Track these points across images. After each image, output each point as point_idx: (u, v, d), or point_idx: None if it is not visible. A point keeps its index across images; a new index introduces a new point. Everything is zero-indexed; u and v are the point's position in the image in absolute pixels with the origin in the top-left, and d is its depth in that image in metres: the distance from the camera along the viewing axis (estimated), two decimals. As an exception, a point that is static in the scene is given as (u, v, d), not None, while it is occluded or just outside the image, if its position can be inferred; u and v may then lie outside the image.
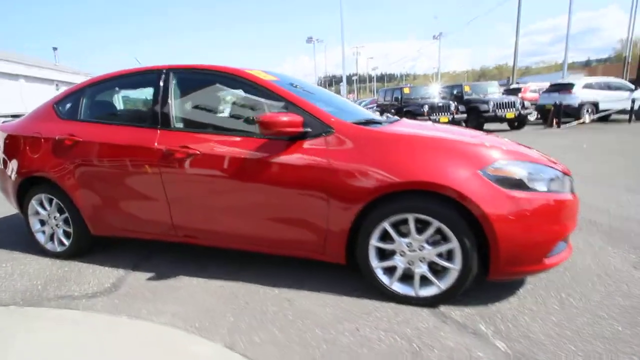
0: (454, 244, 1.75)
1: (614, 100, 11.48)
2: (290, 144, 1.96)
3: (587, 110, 11.43)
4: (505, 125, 11.35)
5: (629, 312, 1.76)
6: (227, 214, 2.17)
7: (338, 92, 25.37)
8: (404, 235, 1.85)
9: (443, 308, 1.86)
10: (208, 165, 2.11)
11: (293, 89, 2.22)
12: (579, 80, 11.96)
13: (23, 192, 2.73)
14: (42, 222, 2.75)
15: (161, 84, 2.33)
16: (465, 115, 10.96)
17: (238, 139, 2.09)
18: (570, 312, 1.79)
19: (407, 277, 1.90)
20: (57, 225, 2.68)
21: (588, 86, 11.62)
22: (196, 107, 2.36)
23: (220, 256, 2.57)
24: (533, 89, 15.37)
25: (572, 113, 11.36)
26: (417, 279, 1.86)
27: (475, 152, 1.78)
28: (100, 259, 2.66)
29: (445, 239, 1.78)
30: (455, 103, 10.98)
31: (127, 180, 2.35)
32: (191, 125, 2.29)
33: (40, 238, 2.75)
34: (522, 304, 1.87)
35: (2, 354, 1.61)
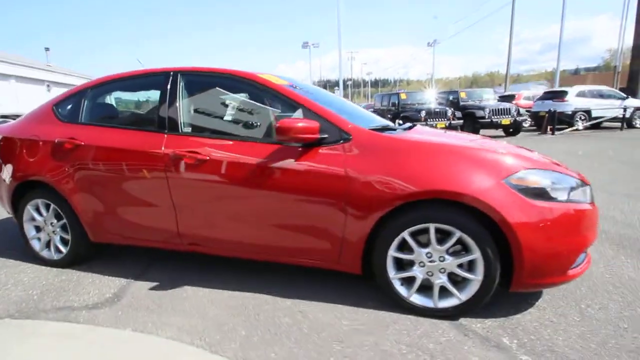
0: (476, 254, 1.70)
1: (606, 108, 11.73)
2: (306, 150, 1.90)
3: (580, 118, 11.65)
4: (500, 132, 11.47)
5: (651, 324, 1.72)
6: (237, 222, 2.09)
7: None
8: (423, 245, 1.80)
9: (463, 320, 1.81)
10: (218, 172, 2.03)
11: (307, 94, 2.16)
12: (572, 89, 12.19)
13: (18, 197, 2.61)
14: (38, 229, 2.63)
15: (169, 87, 2.25)
16: (461, 121, 11.06)
17: (249, 144, 2.02)
18: (592, 323, 1.75)
19: (424, 288, 1.84)
20: (54, 231, 2.56)
21: (581, 94, 11.87)
22: (205, 111, 2.28)
23: (225, 265, 2.47)
24: (526, 96, 15.62)
25: (565, 120, 11.56)
26: (436, 290, 1.80)
27: (498, 160, 1.74)
28: (100, 268, 2.54)
29: (466, 249, 1.74)
30: (452, 109, 11.06)
31: (131, 185, 2.25)
32: (200, 129, 2.21)
33: (36, 245, 2.63)
34: (542, 316, 1.83)
35: None
